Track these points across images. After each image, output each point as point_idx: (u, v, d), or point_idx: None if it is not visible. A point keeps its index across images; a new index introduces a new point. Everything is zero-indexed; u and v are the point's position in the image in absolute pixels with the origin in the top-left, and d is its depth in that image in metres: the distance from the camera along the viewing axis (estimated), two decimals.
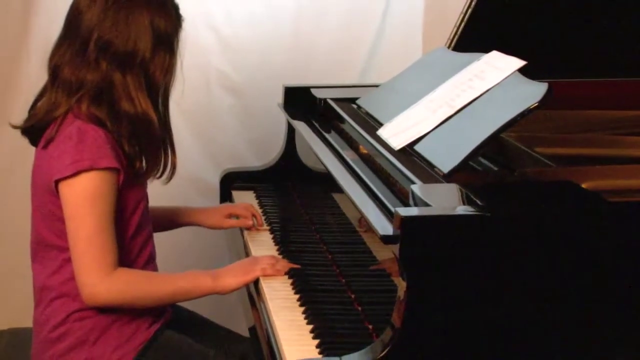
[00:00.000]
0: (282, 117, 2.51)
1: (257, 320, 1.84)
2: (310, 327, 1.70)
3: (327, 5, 3.02)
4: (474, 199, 1.53)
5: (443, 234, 1.47)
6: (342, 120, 2.20)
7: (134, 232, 1.88)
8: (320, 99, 2.39)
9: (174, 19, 1.87)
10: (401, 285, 1.47)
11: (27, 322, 1.99)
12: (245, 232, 2.22)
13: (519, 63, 1.85)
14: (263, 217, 2.29)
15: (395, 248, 1.47)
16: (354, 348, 1.52)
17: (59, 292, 1.85)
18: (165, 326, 1.94)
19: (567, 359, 1.55)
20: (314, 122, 2.32)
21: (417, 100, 1.97)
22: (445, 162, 1.69)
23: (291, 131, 2.49)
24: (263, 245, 2.14)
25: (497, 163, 1.79)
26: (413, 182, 1.66)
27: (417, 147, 1.82)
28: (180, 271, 1.91)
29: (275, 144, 2.58)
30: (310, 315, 1.74)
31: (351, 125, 2.12)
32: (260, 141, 3.00)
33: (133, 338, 1.87)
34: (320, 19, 3.02)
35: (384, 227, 1.55)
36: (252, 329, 1.91)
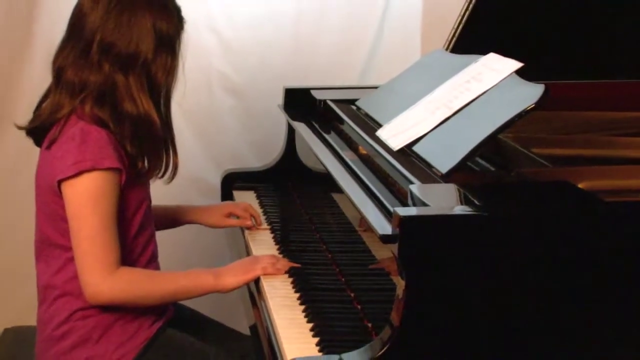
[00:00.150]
0: (282, 118, 2.51)
1: (257, 319, 1.84)
2: (310, 325, 1.70)
3: (326, 8, 3.02)
4: (472, 199, 1.52)
5: (441, 234, 1.47)
6: (342, 121, 2.20)
7: (136, 232, 1.88)
8: (320, 101, 2.39)
9: (176, 21, 1.87)
10: (400, 284, 1.47)
11: (31, 320, 1.99)
12: (246, 232, 2.22)
13: (516, 65, 1.85)
14: (263, 217, 2.29)
15: (394, 247, 1.47)
16: (354, 346, 1.51)
17: (62, 290, 1.85)
18: (167, 324, 1.94)
19: (565, 358, 1.55)
20: (313, 123, 2.32)
21: (415, 101, 1.97)
22: (444, 162, 1.69)
23: (291, 132, 2.49)
24: (263, 245, 2.14)
25: (495, 163, 1.79)
26: (412, 182, 1.66)
27: (415, 148, 1.82)
28: (182, 270, 1.91)
29: (276, 144, 2.58)
30: (310, 314, 1.74)
31: (350, 126, 2.11)
32: (261, 142, 3.00)
33: (135, 336, 1.87)
34: (320, 21, 3.02)
35: (383, 226, 1.55)
36: (252, 327, 1.91)
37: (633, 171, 1.80)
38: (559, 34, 2.27)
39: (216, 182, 2.57)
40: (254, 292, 1.91)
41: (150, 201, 1.95)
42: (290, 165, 2.49)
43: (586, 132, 2.15)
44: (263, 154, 2.86)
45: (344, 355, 1.50)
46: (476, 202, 1.51)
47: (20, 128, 1.91)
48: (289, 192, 2.47)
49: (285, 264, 1.94)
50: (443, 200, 1.58)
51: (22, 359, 2.07)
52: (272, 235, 2.20)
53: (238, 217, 2.24)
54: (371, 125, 2.06)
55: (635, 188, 1.74)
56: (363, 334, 1.65)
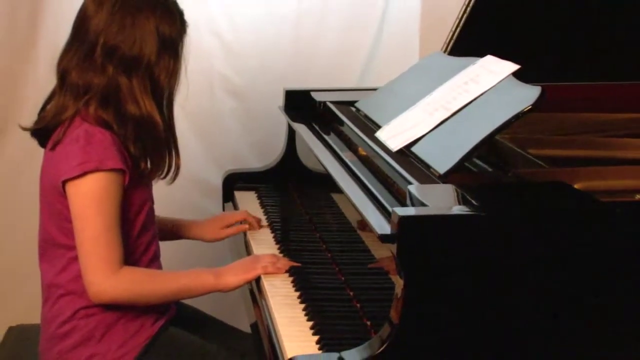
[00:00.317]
0: (282, 120, 2.51)
1: (258, 317, 1.84)
2: (310, 323, 1.70)
3: (326, 11, 3.02)
4: (469, 199, 1.53)
5: (439, 233, 1.47)
6: (341, 122, 2.20)
7: (139, 232, 1.88)
8: (320, 102, 2.39)
9: (179, 25, 1.87)
10: (399, 282, 1.47)
11: (35, 318, 1.99)
12: (247, 232, 2.22)
13: (513, 67, 1.85)
14: (264, 217, 2.29)
15: (393, 247, 1.47)
16: (353, 344, 1.51)
17: (66, 289, 1.85)
18: (169, 323, 1.94)
19: (562, 355, 1.55)
20: (313, 124, 2.32)
21: (414, 103, 1.97)
22: (442, 163, 1.69)
23: (292, 133, 2.49)
24: (264, 244, 2.14)
25: (492, 164, 1.79)
26: (410, 183, 1.66)
27: (414, 149, 1.82)
28: (183, 269, 1.91)
29: (276, 145, 2.58)
30: (311, 312, 1.74)
31: (350, 128, 2.11)
32: (262, 143, 3.00)
33: (138, 334, 1.87)
34: (320, 24, 3.02)
35: (382, 226, 1.55)
36: (253, 326, 1.91)
37: (628, 172, 1.80)
38: (555, 37, 2.28)
39: (217, 182, 2.57)
40: (254, 290, 1.91)
41: (152, 202, 1.95)
42: (290, 165, 2.49)
43: (582, 133, 2.15)
44: (264, 154, 2.86)
45: (344, 353, 1.50)
46: (474, 202, 1.51)
47: (24, 129, 1.91)
48: (289, 193, 2.47)
49: (285, 263, 1.94)
50: (441, 200, 1.58)
51: (26, 357, 2.07)
52: (272, 234, 2.20)
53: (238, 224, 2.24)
54: (370, 126, 2.06)
55: (631, 188, 1.74)
56: (362, 332, 1.65)
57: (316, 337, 1.65)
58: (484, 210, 1.49)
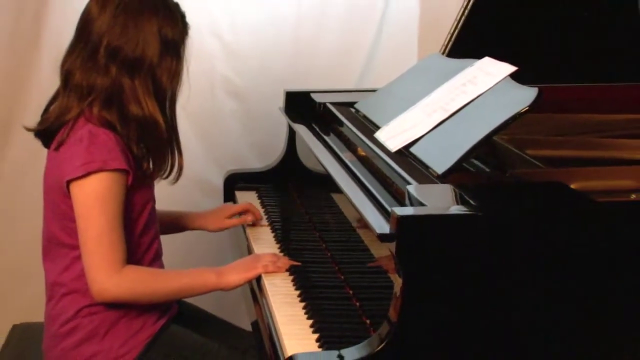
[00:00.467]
0: (283, 121, 2.51)
1: (259, 316, 1.84)
2: (310, 321, 1.70)
3: (326, 13, 3.01)
4: (467, 199, 1.53)
5: (437, 233, 1.47)
6: (341, 123, 2.20)
7: (141, 231, 1.88)
8: (319, 103, 2.39)
9: (181, 27, 1.87)
10: (397, 281, 1.47)
11: (39, 316, 1.99)
12: (248, 231, 2.22)
13: (510, 69, 1.85)
14: (265, 217, 2.29)
15: (392, 246, 1.47)
16: (353, 342, 1.51)
17: (69, 288, 1.85)
18: (171, 321, 1.94)
19: (560, 354, 1.55)
20: (313, 125, 2.32)
21: (412, 104, 1.97)
22: (440, 163, 1.69)
23: (292, 134, 2.48)
24: (265, 243, 2.14)
25: (490, 164, 1.79)
26: (409, 183, 1.66)
27: (412, 149, 1.82)
28: (185, 268, 1.91)
29: (277, 146, 2.58)
30: (310, 311, 1.74)
31: (349, 128, 2.11)
32: (262, 143, 3.00)
33: (140, 332, 1.87)
34: (320, 26, 3.02)
35: (381, 225, 1.55)
36: (254, 324, 1.91)
37: (624, 172, 1.80)
38: (552, 39, 2.28)
39: (219, 182, 2.57)
40: (255, 289, 1.91)
41: (154, 202, 1.95)
42: (290, 166, 2.49)
43: (578, 134, 2.15)
44: (264, 155, 2.85)
45: (343, 351, 1.50)
46: (471, 202, 1.51)
47: (28, 130, 1.91)
48: (289, 192, 2.47)
49: (285, 262, 1.94)
50: (439, 200, 1.58)
51: (30, 355, 2.07)
52: (273, 234, 2.20)
53: (239, 216, 2.24)
54: (369, 127, 2.06)
55: (626, 188, 1.74)
56: (361, 330, 1.65)
57: (316, 335, 1.64)
58: (481, 210, 1.49)
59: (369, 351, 1.47)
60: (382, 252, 1.61)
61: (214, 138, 3.03)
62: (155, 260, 1.94)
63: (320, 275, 1.92)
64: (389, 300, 1.49)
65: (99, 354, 1.84)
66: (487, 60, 1.94)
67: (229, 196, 2.49)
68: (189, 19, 1.91)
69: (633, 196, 1.69)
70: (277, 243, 2.14)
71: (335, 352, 1.51)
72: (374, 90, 2.27)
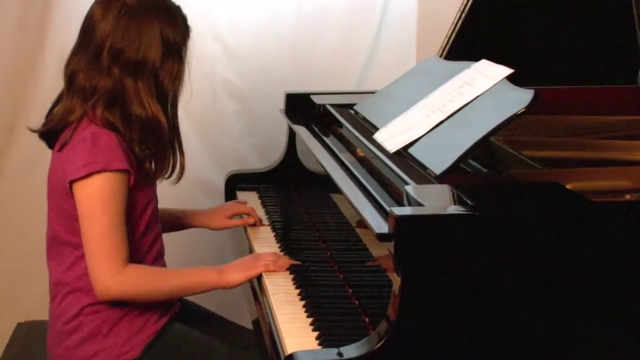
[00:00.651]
0: (283, 122, 2.51)
1: (260, 314, 1.84)
2: (310, 320, 1.70)
3: (325, 17, 3.01)
4: (465, 199, 1.52)
5: (435, 232, 1.47)
6: (340, 124, 2.20)
7: (143, 231, 1.88)
8: (319, 105, 2.39)
9: (183, 29, 1.87)
10: (396, 280, 1.47)
11: (44, 315, 1.99)
12: (249, 231, 2.21)
13: (507, 71, 1.85)
14: (265, 216, 2.29)
15: (391, 245, 1.47)
16: (352, 340, 1.51)
17: (73, 287, 1.85)
18: (173, 319, 1.94)
19: (557, 353, 1.55)
20: (313, 126, 2.31)
21: (411, 106, 1.96)
22: (438, 164, 1.68)
23: (292, 135, 2.48)
24: (265, 243, 2.14)
25: (487, 165, 1.78)
26: (407, 183, 1.66)
27: (411, 150, 1.82)
28: (187, 267, 1.91)
29: (277, 147, 2.58)
30: (310, 309, 1.74)
31: (349, 130, 2.11)
32: (263, 144, 3.00)
33: (143, 330, 1.87)
34: (320, 29, 3.02)
35: (380, 225, 1.55)
36: (255, 322, 1.91)
37: (618, 172, 1.80)
38: (548, 42, 2.28)
39: (220, 182, 2.57)
40: (256, 288, 1.91)
41: (156, 202, 1.95)
42: (291, 166, 2.49)
43: (574, 135, 2.15)
44: (265, 156, 2.85)
45: (343, 349, 1.50)
46: (469, 202, 1.51)
47: (33, 131, 1.91)
48: (289, 193, 2.46)
49: (286, 261, 1.94)
50: (437, 200, 1.57)
51: (35, 352, 2.07)
52: (273, 233, 2.20)
53: (242, 216, 2.24)
54: (368, 128, 2.06)
55: (621, 189, 1.74)
56: (361, 329, 1.64)
57: (316, 333, 1.64)
58: (479, 210, 1.48)
59: (368, 349, 1.47)
60: (381, 251, 1.61)
61: (215, 139, 3.03)
62: (158, 259, 1.94)
63: (320, 274, 1.91)
64: (388, 299, 1.49)
65: (102, 352, 1.84)
66: (484, 63, 1.94)
67: (230, 196, 2.49)
68: (190, 22, 1.90)
69: (628, 196, 1.69)
70: (277, 242, 2.14)
71: (334, 350, 1.50)
72: (372, 92, 2.27)
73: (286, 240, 2.14)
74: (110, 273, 1.76)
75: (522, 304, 1.51)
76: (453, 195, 1.57)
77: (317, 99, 2.42)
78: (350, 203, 1.73)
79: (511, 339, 1.52)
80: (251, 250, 2.12)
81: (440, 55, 2.27)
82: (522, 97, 1.71)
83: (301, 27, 3.01)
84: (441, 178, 1.66)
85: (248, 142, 3.05)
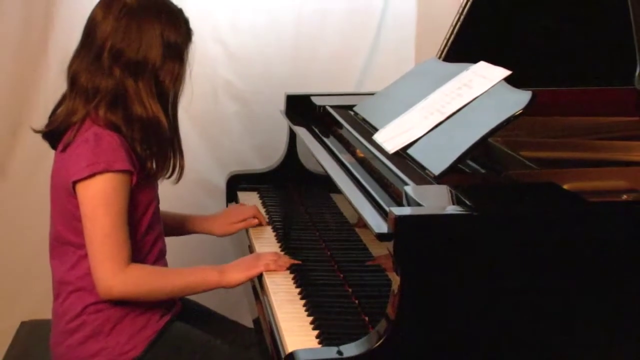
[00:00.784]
0: (284, 123, 2.51)
1: (260, 313, 1.84)
2: (311, 319, 1.70)
3: (325, 19, 3.01)
4: (463, 199, 1.52)
5: (434, 232, 1.47)
6: (340, 125, 2.20)
7: (145, 231, 1.88)
8: (319, 106, 2.39)
9: (184, 30, 1.87)
10: (395, 279, 1.47)
11: (47, 313, 1.99)
12: (250, 230, 2.21)
13: (505, 72, 1.85)
14: (266, 216, 2.28)
15: (390, 245, 1.47)
16: (352, 338, 1.51)
17: (75, 286, 1.85)
18: (175, 318, 1.94)
19: (555, 352, 1.54)
20: (313, 127, 2.31)
21: (410, 107, 1.96)
22: (436, 164, 1.68)
23: (292, 136, 2.48)
24: (266, 242, 2.14)
25: (485, 166, 1.78)
26: (406, 184, 1.66)
27: (410, 151, 1.82)
28: (188, 267, 1.91)
29: (278, 148, 2.58)
30: (311, 308, 1.74)
31: (348, 131, 2.11)
32: (264, 145, 3.00)
33: (145, 329, 1.87)
34: (320, 31, 3.02)
35: (379, 225, 1.55)
36: (256, 321, 1.91)
37: (615, 173, 1.80)
38: (546, 44, 2.28)
39: (222, 183, 2.57)
40: (257, 287, 1.91)
41: (158, 202, 1.95)
42: (291, 167, 2.49)
43: (571, 136, 2.15)
44: (266, 156, 2.85)
45: (343, 347, 1.50)
46: (467, 202, 1.51)
47: (36, 132, 1.91)
48: (290, 193, 2.46)
49: (286, 260, 1.94)
50: (436, 200, 1.57)
51: (38, 351, 2.07)
52: (274, 233, 2.19)
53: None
54: (368, 129, 2.05)
55: (617, 189, 1.74)
56: (360, 327, 1.64)
57: (316, 332, 1.64)
58: (477, 210, 1.48)
59: (367, 347, 1.47)
60: (381, 251, 1.61)
61: (216, 140, 3.03)
62: (159, 259, 1.94)
63: (320, 274, 1.91)
64: (387, 298, 1.49)
65: (104, 350, 1.84)
66: (482, 65, 1.94)
67: (231, 196, 2.49)
68: (192, 24, 1.90)
69: (625, 197, 1.69)
70: (278, 242, 2.14)
71: (334, 348, 1.50)
72: (372, 94, 2.27)
73: (286, 240, 2.14)
74: (113, 273, 1.76)
75: (519, 303, 1.51)
76: (451, 196, 1.57)
77: (317, 100, 2.42)
78: (350, 203, 1.73)
79: (510, 339, 1.52)
80: (252, 250, 2.12)
81: (439, 57, 2.27)
82: (519, 99, 1.71)
83: (301, 29, 3.01)
84: (440, 178, 1.66)
85: (249, 142, 3.05)
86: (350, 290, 1.80)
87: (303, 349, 1.55)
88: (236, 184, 2.51)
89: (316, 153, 2.09)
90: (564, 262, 1.51)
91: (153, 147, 1.83)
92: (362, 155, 1.98)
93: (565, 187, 1.65)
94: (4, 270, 2.94)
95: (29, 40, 2.82)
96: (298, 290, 1.83)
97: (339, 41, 3.03)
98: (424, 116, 1.88)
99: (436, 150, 1.75)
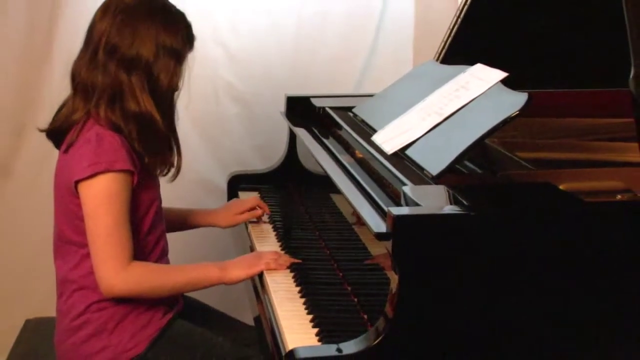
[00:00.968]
0: (284, 124, 2.51)
1: (261, 311, 1.84)
2: (310, 317, 1.70)
3: (325, 21, 3.01)
4: (460, 199, 1.52)
5: (432, 232, 1.47)
6: (340, 127, 2.20)
7: (147, 230, 1.88)
8: (319, 108, 2.39)
9: (184, 31, 1.86)
10: (394, 278, 1.47)
11: (51, 311, 1.99)
12: (250, 229, 2.21)
13: (501, 75, 1.85)
14: (267, 216, 2.28)
15: (388, 244, 1.47)
16: (351, 336, 1.51)
17: (79, 284, 1.85)
18: (177, 316, 1.94)
19: (554, 351, 1.55)
20: (313, 128, 2.31)
21: (408, 108, 1.96)
22: (434, 165, 1.69)
23: (292, 137, 2.48)
24: (267, 241, 2.14)
25: (482, 166, 1.78)
26: (404, 184, 1.66)
27: (408, 152, 1.82)
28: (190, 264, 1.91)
29: (278, 148, 2.58)
30: (310, 306, 1.74)
31: (348, 132, 2.11)
32: (264, 146, 3.00)
33: (148, 327, 1.87)
34: (320, 34, 3.02)
35: (378, 225, 1.55)
36: (256, 319, 1.91)
37: (610, 173, 1.80)
38: (542, 46, 2.28)
39: (223, 183, 2.57)
40: (257, 286, 1.91)
41: (160, 201, 1.95)
42: (291, 167, 2.49)
43: (566, 137, 2.15)
44: (266, 157, 2.85)
45: (342, 345, 1.50)
46: (464, 202, 1.51)
47: (41, 130, 1.91)
48: (290, 193, 2.46)
49: (286, 259, 1.94)
50: (434, 200, 1.57)
51: (42, 349, 2.07)
52: (274, 232, 2.20)
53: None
54: (367, 130, 2.06)
55: (612, 189, 1.74)
56: (359, 325, 1.64)
57: (316, 330, 1.64)
58: (474, 209, 1.49)
59: (366, 345, 1.47)
60: (379, 250, 1.61)
61: (217, 140, 3.03)
62: (162, 257, 1.94)
63: (320, 273, 1.91)
64: (386, 297, 1.49)
65: (108, 348, 1.84)
66: (479, 67, 1.94)
67: (232, 196, 2.48)
68: (193, 26, 1.90)
69: (618, 197, 1.69)
70: (278, 241, 2.14)
71: (334, 346, 1.50)
72: (371, 95, 2.27)
73: (287, 239, 2.14)
74: (115, 271, 1.76)
75: (516, 302, 1.51)
76: (449, 196, 1.58)
77: (317, 102, 2.42)
78: (350, 203, 1.73)
79: (508, 337, 1.52)
80: (252, 249, 2.12)
81: (437, 59, 2.27)
82: (516, 100, 1.71)
83: (302, 32, 3.01)
84: (437, 179, 1.66)
85: (249, 143, 3.05)
86: (349, 288, 1.80)
87: (303, 346, 1.55)
88: (237, 184, 2.51)
89: (316, 154, 2.09)
90: (559, 261, 1.51)
91: (149, 142, 1.82)
92: (361, 155, 1.98)
93: (561, 187, 1.65)
94: (10, 268, 2.94)
95: (34, 43, 2.83)
96: (298, 288, 1.83)
97: (338, 43, 3.03)
98: (422, 117, 1.89)
99: (434, 151, 1.75)
